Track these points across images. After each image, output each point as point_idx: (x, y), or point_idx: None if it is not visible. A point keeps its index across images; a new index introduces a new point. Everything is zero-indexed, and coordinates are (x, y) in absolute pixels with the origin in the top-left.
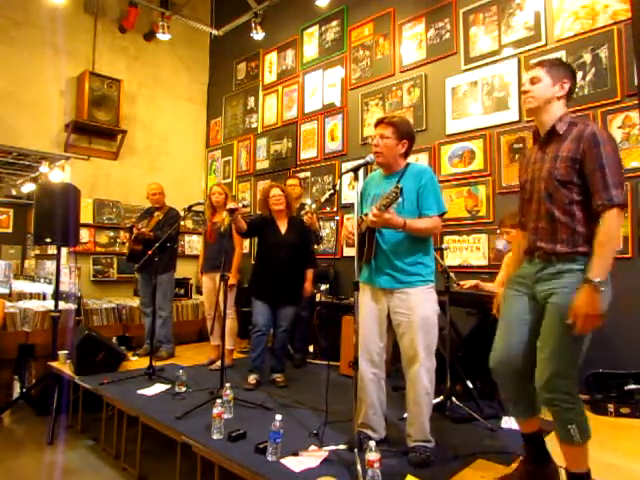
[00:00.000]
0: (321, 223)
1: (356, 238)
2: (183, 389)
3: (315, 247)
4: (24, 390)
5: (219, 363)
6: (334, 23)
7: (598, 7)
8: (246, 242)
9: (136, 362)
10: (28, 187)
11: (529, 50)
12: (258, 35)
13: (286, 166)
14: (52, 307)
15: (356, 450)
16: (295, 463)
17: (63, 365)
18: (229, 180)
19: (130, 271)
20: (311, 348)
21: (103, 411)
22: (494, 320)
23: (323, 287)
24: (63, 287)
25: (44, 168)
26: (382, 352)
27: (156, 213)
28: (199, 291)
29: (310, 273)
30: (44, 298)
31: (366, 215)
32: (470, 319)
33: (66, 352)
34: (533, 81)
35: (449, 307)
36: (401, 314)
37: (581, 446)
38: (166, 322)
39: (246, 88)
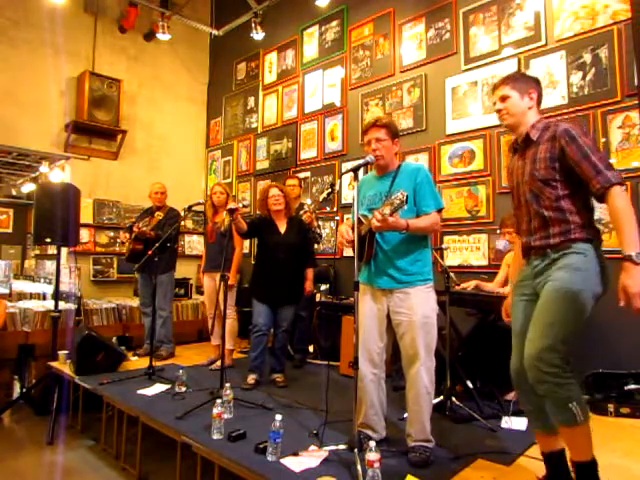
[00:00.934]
0: (320, 223)
1: (356, 238)
2: (183, 389)
3: (315, 247)
4: (24, 390)
5: (219, 363)
6: (334, 23)
7: (598, 7)
8: (246, 242)
9: (136, 362)
10: (28, 187)
11: (529, 50)
12: (258, 35)
13: (286, 166)
14: (52, 307)
15: (356, 450)
16: (295, 463)
17: (63, 365)
18: (229, 180)
19: (130, 271)
20: (311, 348)
21: (103, 411)
22: (494, 320)
23: (323, 287)
24: (63, 287)
25: (44, 168)
26: (382, 352)
27: (157, 213)
28: (199, 291)
29: (310, 272)
30: (44, 298)
31: (364, 216)
32: (470, 319)
33: (66, 352)
34: (503, 99)
35: (449, 307)
36: (401, 314)
37: (584, 426)
38: (166, 322)
39: (246, 88)
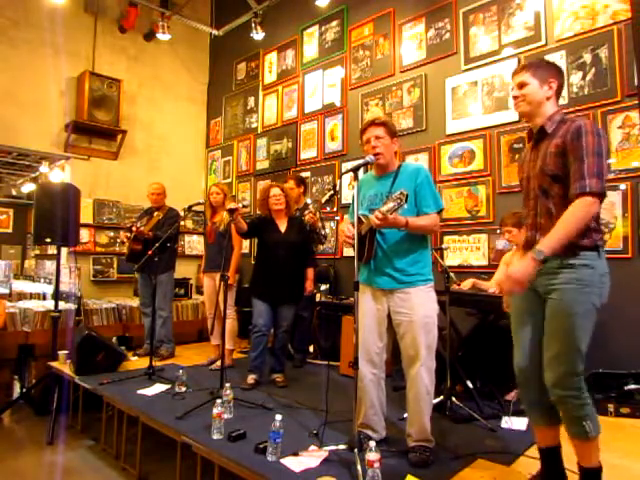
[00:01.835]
0: (323, 223)
1: (356, 238)
2: (183, 389)
3: (320, 247)
4: (24, 390)
5: (219, 363)
6: (334, 23)
7: (598, 7)
8: (246, 242)
9: (136, 362)
10: (28, 187)
11: (529, 50)
12: (258, 35)
13: (286, 166)
14: (52, 307)
15: (356, 450)
16: (295, 463)
17: (63, 365)
18: (229, 180)
19: (130, 271)
20: (311, 348)
21: (103, 411)
22: (494, 320)
23: (323, 287)
24: (63, 287)
25: (44, 168)
26: (382, 352)
27: (156, 213)
28: (199, 291)
29: (310, 272)
30: (44, 298)
31: (364, 216)
32: (470, 319)
33: (66, 352)
34: (521, 85)
35: (449, 307)
36: (402, 314)
37: (595, 440)
38: (166, 322)
39: (246, 88)
